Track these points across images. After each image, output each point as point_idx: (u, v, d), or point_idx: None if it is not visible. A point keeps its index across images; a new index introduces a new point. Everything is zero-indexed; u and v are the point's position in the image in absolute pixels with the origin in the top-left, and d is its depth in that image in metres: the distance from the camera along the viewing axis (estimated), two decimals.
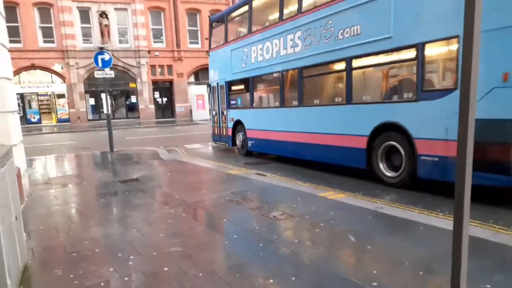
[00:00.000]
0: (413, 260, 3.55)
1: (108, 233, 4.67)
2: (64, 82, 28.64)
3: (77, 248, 4.18)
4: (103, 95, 27.04)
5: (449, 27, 5.38)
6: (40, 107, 29.95)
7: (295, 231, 4.55)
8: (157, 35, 31.24)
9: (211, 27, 12.89)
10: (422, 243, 4.11)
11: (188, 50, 31.48)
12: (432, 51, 5.83)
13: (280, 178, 7.62)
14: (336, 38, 7.38)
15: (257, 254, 3.87)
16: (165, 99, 32.76)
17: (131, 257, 3.87)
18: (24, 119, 27.79)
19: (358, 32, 6.90)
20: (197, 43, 32.36)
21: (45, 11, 27.68)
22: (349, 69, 7.20)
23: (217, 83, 12.53)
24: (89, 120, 29.64)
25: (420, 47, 5.85)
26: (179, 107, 32.45)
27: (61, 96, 29.70)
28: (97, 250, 4.16)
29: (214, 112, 13.26)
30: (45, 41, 27.82)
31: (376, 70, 7.03)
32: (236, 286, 3.19)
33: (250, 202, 5.85)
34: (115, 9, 29.18)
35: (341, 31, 7.25)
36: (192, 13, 32.01)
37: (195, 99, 30.03)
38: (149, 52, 30.31)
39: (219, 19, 12.39)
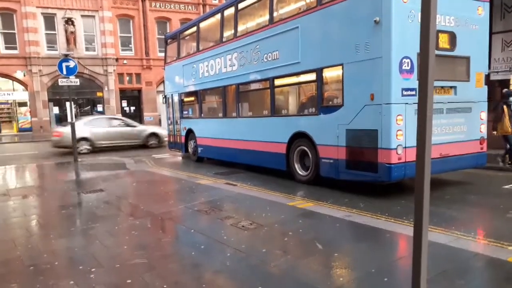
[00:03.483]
0: (378, 266, 3.60)
1: (69, 246, 4.47)
2: (27, 89, 27.50)
3: (35, 261, 3.98)
4: (67, 104, 26.13)
5: (337, 57, 6.66)
6: (0, 115, 28.63)
7: (264, 240, 4.52)
8: (125, 43, 30.62)
9: (166, 44, 13.89)
10: (387, 249, 4.18)
11: (158, 58, 30.77)
12: (327, 75, 7.08)
13: (250, 188, 7.59)
14: (262, 61, 8.54)
15: (225, 264, 3.81)
16: (133, 108, 32.03)
17: (93, 269, 3.71)
18: None
19: (277, 57, 8.12)
20: None
21: (7, 16, 26.59)
22: (272, 87, 8.42)
23: (172, 95, 13.46)
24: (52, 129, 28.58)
25: (319, 71, 7.10)
26: (147, 116, 31.86)
27: (23, 104, 28.46)
28: (56, 263, 3.97)
29: (169, 121, 14.19)
30: (6, 48, 26.66)
31: (291, 88, 8.43)
32: None
33: (219, 212, 5.78)
34: (82, 16, 28.37)
35: (265, 55, 8.43)
36: (162, 22, 31.62)
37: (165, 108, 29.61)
38: (117, 60, 29.64)
39: (173, 36, 13.41)
